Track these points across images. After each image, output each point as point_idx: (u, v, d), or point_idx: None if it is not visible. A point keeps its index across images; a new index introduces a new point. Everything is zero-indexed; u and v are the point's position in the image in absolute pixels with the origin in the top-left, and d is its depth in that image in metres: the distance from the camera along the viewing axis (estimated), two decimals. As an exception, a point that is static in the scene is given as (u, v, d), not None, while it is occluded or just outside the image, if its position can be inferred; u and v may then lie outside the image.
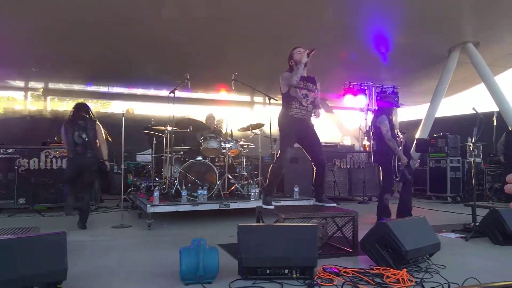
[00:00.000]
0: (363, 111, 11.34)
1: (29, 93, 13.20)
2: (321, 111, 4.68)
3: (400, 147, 5.51)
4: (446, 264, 3.33)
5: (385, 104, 5.74)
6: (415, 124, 11.29)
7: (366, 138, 10.74)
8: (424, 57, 10.35)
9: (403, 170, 5.43)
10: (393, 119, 5.70)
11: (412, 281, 2.87)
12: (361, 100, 10.99)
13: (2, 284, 2.44)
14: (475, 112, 5.01)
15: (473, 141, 5.08)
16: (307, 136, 4.40)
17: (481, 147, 9.24)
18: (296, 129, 4.34)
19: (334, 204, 4.35)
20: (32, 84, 12.79)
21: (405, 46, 9.57)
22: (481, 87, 10.44)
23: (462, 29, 9.23)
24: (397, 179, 5.45)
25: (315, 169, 4.43)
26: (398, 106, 5.83)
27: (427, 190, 9.38)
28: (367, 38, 9.34)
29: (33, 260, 2.60)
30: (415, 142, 9.96)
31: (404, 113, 15.28)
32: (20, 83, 12.78)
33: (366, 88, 11.13)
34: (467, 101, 14.13)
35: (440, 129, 9.80)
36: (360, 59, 10.28)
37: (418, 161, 10.76)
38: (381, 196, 5.53)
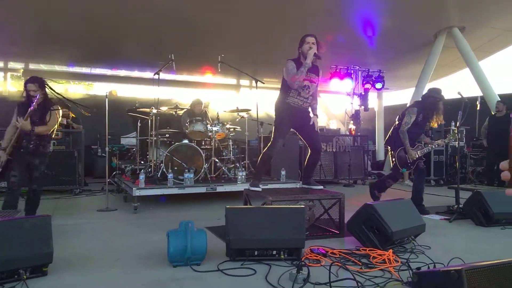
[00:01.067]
0: (349, 95, 11.37)
1: (9, 73, 12.82)
2: (317, 107, 4.64)
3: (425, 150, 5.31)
4: (430, 245, 3.39)
5: (429, 99, 5.37)
6: (400, 108, 11.34)
7: (352, 122, 10.80)
8: (410, 41, 10.38)
9: (417, 160, 5.29)
10: (435, 118, 5.37)
11: (398, 261, 2.92)
12: (347, 84, 11.00)
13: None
14: (460, 96, 5.06)
15: (457, 125, 5.14)
16: (303, 125, 4.36)
17: (464, 131, 9.39)
18: (292, 119, 4.30)
19: (321, 187, 4.40)
20: (11, 64, 12.41)
21: (391, 30, 9.56)
22: (466, 72, 10.55)
23: (448, 14, 9.26)
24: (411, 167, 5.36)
25: (310, 153, 4.44)
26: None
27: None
28: (353, 21, 9.29)
29: (18, 243, 2.57)
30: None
31: (390, 98, 15.38)
32: (-1, 64, 12.40)
33: (352, 72, 11.14)
34: (452, 85, 14.28)
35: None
36: (347, 43, 10.23)
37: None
38: (385, 178, 5.68)
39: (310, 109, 4.45)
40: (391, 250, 3.08)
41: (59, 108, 4.44)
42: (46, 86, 4.38)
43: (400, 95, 15.51)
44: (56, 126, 4.41)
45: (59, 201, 6.04)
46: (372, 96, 12.46)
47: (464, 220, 4.54)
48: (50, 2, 7.64)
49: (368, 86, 11.05)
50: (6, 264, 2.49)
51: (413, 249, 3.26)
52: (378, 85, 11.10)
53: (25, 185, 4.37)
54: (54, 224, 2.79)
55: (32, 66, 12.43)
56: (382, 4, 8.50)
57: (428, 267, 2.69)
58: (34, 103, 4.05)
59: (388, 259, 2.91)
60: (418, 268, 2.63)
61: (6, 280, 2.50)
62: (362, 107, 11.03)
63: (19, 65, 12.35)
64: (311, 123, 4.34)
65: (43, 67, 12.68)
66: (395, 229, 3.21)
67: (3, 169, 4.13)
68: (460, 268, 1.97)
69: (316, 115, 4.48)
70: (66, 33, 9.07)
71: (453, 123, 9.22)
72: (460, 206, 4.79)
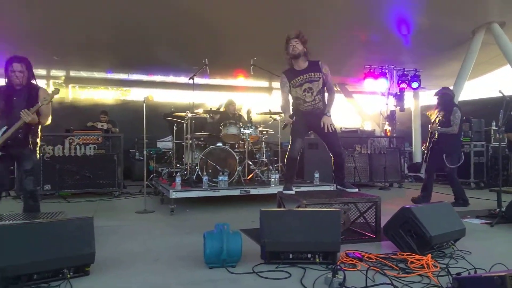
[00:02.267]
0: (384, 95, 11.14)
1: (51, 81, 13.43)
2: (335, 96, 4.40)
3: None
4: (471, 250, 3.28)
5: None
6: (437, 108, 11.05)
7: (387, 123, 10.58)
8: (447, 38, 10.06)
9: None
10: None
11: (437, 266, 2.84)
12: (382, 84, 10.79)
13: (33, 266, 2.54)
14: (501, 94, 4.87)
15: (498, 124, 4.94)
16: (319, 126, 4.21)
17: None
18: (305, 120, 4.24)
19: (356, 189, 4.33)
20: (54, 72, 12.99)
21: (427, 28, 9.31)
22: (507, 69, 10.11)
23: (487, 9, 8.91)
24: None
25: (332, 157, 4.39)
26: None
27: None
28: (388, 19, 9.12)
29: (62, 243, 2.68)
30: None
31: (426, 97, 14.94)
32: (42, 72, 12.97)
33: (387, 71, 10.90)
34: (492, 83, 13.72)
35: (464, 113, 9.51)
36: (381, 42, 10.06)
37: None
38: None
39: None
40: (429, 255, 3.01)
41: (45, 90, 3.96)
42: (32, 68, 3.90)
43: (437, 95, 15.04)
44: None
45: (99, 203, 6.27)
46: (408, 95, 12.16)
47: (506, 224, 4.36)
48: (88, 14, 7.97)
49: (403, 85, 10.79)
50: (52, 263, 2.61)
51: (453, 254, 3.16)
52: (414, 85, 10.82)
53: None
54: (95, 225, 2.89)
55: (72, 73, 13.00)
56: (416, 1, 8.30)
57: (469, 273, 2.61)
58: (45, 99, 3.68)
59: (427, 264, 2.84)
60: (458, 274, 2.55)
61: (51, 278, 2.61)
62: (398, 107, 10.78)
63: (61, 73, 12.93)
64: (323, 125, 4.15)
65: (83, 74, 13.23)
66: (434, 233, 3.12)
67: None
68: (503, 274, 1.91)
69: (327, 114, 4.18)
70: (104, 41, 9.41)
71: (494, 123, 8.88)
72: (502, 209, 4.59)
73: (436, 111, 6.11)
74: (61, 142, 6.84)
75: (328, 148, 4.35)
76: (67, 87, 13.43)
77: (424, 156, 6.25)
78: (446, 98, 6.10)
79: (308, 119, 4.23)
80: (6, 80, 3.79)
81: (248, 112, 7.32)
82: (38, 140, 3.97)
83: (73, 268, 2.70)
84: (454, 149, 5.97)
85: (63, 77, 12.97)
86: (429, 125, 6.15)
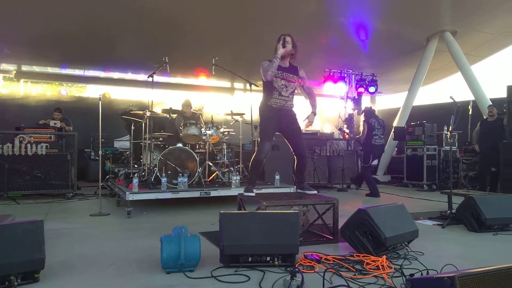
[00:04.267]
0: (342, 98, 11.41)
1: (1, 75, 12.72)
2: (315, 97, 4.57)
3: None
4: (424, 251, 3.41)
5: None
6: (393, 112, 11.46)
7: (345, 126, 10.83)
8: (403, 45, 10.46)
9: None
10: None
11: (391, 267, 2.92)
12: (341, 87, 11.04)
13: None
14: (452, 100, 5.10)
15: (450, 129, 5.17)
16: (288, 126, 4.36)
17: (456, 135, 9.47)
18: (276, 121, 4.31)
19: (315, 191, 4.40)
20: (4, 66, 12.29)
21: (384, 34, 9.64)
22: (458, 76, 10.65)
23: (440, 18, 9.35)
24: None
25: (296, 159, 4.44)
26: None
27: (404, 177, 9.57)
28: (347, 25, 9.35)
29: (9, 248, 2.53)
30: (393, 130, 10.12)
31: (383, 101, 15.48)
32: (-9, 65, 12.29)
33: (346, 75, 11.18)
34: (444, 90, 14.41)
35: (417, 117, 9.98)
36: (340, 47, 10.30)
37: (396, 149, 10.97)
38: None
39: (294, 109, 4.45)
40: (384, 256, 3.09)
41: None
42: None
43: (393, 99, 15.62)
44: None
45: (51, 205, 5.99)
46: (366, 99, 12.52)
47: (457, 226, 4.56)
48: (44, 5, 7.60)
49: (361, 89, 11.11)
50: (-2, 270, 2.46)
51: (407, 255, 3.27)
52: (372, 89, 11.16)
53: None
54: (46, 228, 2.77)
55: (24, 68, 12.35)
56: (375, 8, 8.57)
57: (421, 274, 2.70)
58: None
59: (382, 265, 2.92)
60: (412, 275, 2.64)
61: (-3, 286, 2.47)
62: (356, 110, 11.07)
63: (12, 67, 12.26)
64: (295, 122, 4.35)
65: (35, 68, 12.61)
66: (389, 234, 3.21)
67: None
68: (453, 275, 1.98)
69: (314, 113, 4.46)
70: (59, 35, 9.01)
71: (446, 128, 9.31)
72: (453, 211, 4.81)
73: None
74: (11, 141, 6.46)
75: (294, 149, 4.42)
76: (19, 82, 12.75)
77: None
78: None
79: (278, 118, 4.30)
80: None
81: (200, 108, 7.25)
82: None
83: (21, 274, 2.55)
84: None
85: (14, 72, 12.30)
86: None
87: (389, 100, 15.73)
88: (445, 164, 9.10)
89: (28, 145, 6.50)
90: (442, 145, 9.36)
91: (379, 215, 3.35)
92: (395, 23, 9.07)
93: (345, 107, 11.32)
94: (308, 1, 7.95)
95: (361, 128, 7.80)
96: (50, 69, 12.78)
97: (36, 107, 10.54)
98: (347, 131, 8.90)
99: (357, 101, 11.11)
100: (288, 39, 4.30)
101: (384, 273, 2.79)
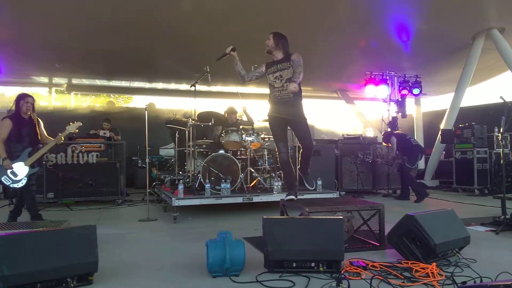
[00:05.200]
0: (385, 101, 11.14)
1: (53, 89, 13.49)
2: (298, 80, 4.36)
3: None
4: (476, 258, 3.26)
5: None
6: (439, 114, 11.05)
7: (389, 129, 10.56)
8: (448, 44, 10.08)
9: None
10: None
11: (442, 275, 2.82)
12: (383, 90, 10.79)
13: (37, 275, 2.53)
14: (502, 100, 4.86)
15: (501, 131, 4.93)
16: (292, 121, 4.49)
17: (508, 137, 8.97)
18: (280, 118, 4.44)
19: (313, 188, 4.76)
20: (56, 80, 13.05)
21: (427, 34, 9.33)
22: (508, 75, 10.12)
23: (486, 15, 8.93)
24: None
25: (301, 149, 4.60)
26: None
27: (453, 182, 9.18)
28: (388, 26, 9.14)
29: (65, 252, 2.67)
30: (440, 133, 9.76)
31: (428, 103, 14.95)
32: (45, 79, 13.05)
33: (388, 78, 10.91)
34: (494, 89, 13.73)
35: (465, 119, 9.55)
36: (381, 48, 10.08)
37: (444, 152, 10.55)
38: None
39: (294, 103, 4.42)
40: (434, 264, 2.98)
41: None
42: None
43: (439, 101, 15.07)
44: None
45: (102, 211, 6.27)
46: (410, 102, 12.16)
47: (511, 232, 4.33)
48: (91, 23, 8.03)
49: (405, 92, 10.78)
50: (55, 272, 2.60)
51: (458, 262, 3.14)
52: (416, 91, 10.81)
53: None
54: (98, 233, 2.88)
55: (75, 81, 13.05)
56: (416, 8, 8.32)
57: (475, 282, 2.59)
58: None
59: (432, 272, 2.82)
60: (464, 283, 2.53)
61: (54, 287, 2.60)
62: (400, 113, 10.77)
63: (63, 80, 12.99)
64: (299, 115, 4.44)
65: (85, 81, 13.28)
66: (438, 241, 3.11)
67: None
68: (509, 283, 1.89)
69: (294, 81, 4.29)
70: (106, 49, 9.46)
71: (496, 129, 8.86)
72: (507, 216, 4.57)
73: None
74: (64, 150, 6.84)
75: (300, 140, 4.62)
76: (69, 94, 13.49)
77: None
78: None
79: (279, 111, 4.43)
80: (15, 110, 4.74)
81: (244, 109, 7.32)
82: None
83: (76, 277, 2.69)
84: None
85: (66, 85, 13.04)
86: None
87: (435, 102, 15.19)
88: (497, 167, 8.64)
89: (80, 154, 6.86)
90: (493, 148, 8.90)
91: (428, 221, 3.25)
92: (438, 22, 8.76)
93: (388, 110, 11.04)
94: (345, 3, 7.86)
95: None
96: (98, 82, 13.42)
97: (86, 118, 11.06)
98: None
99: (401, 104, 10.80)
100: (270, 36, 4.64)
101: (434, 280, 2.70)
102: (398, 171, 7.97)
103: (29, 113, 4.75)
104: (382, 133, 9.04)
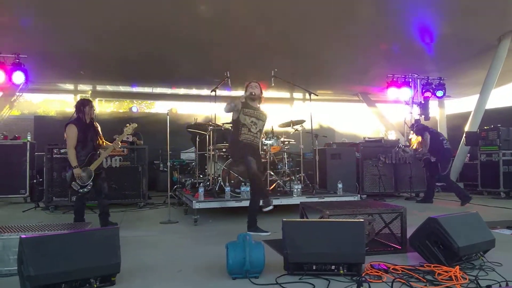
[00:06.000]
0: (407, 104, 10.97)
1: (78, 95, 13.84)
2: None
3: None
4: (502, 262, 3.17)
5: None
6: (464, 116, 10.80)
7: (412, 132, 10.39)
8: (472, 46, 9.86)
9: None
10: None
11: (465, 278, 2.76)
12: (406, 92, 10.63)
13: (61, 275, 2.59)
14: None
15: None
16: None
17: (536, 139, 8.71)
18: (246, 152, 4.68)
19: (271, 207, 4.79)
20: (81, 87, 13.40)
21: (451, 36, 9.16)
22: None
23: (512, 15, 8.71)
24: None
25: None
26: None
27: (478, 185, 8.96)
28: (410, 29, 9.02)
29: (89, 253, 2.73)
30: (464, 135, 9.55)
31: (452, 106, 14.65)
32: (70, 86, 13.42)
33: (410, 80, 10.75)
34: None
35: (491, 121, 9.32)
36: (403, 51, 9.95)
37: (468, 155, 10.30)
38: None
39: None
40: (458, 267, 2.92)
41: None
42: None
43: (463, 103, 14.75)
44: None
45: (125, 214, 6.38)
46: (433, 104, 11.93)
47: (539, 235, 4.20)
48: (115, 32, 8.24)
49: (428, 94, 10.59)
50: (79, 273, 2.66)
51: (482, 265, 3.07)
52: (439, 93, 10.62)
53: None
54: (121, 235, 2.94)
55: (99, 87, 13.37)
56: (439, 10, 8.18)
57: (500, 285, 2.53)
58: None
59: (455, 276, 2.76)
60: (489, 286, 2.48)
61: (78, 288, 2.66)
62: (423, 116, 10.58)
63: (88, 87, 13.32)
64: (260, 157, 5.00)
65: (109, 88, 13.58)
66: (462, 244, 3.04)
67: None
68: (536, 287, 1.84)
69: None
70: (130, 57, 9.67)
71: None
72: (535, 220, 4.43)
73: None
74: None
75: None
76: (94, 101, 13.81)
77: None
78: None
79: (248, 152, 4.67)
80: (79, 116, 4.74)
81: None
82: None
83: (99, 277, 2.74)
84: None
85: (90, 91, 13.35)
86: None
87: (459, 104, 14.87)
88: (525, 170, 8.38)
89: (104, 159, 6.98)
90: (520, 150, 8.65)
91: (451, 224, 3.19)
92: (462, 24, 8.59)
93: (411, 113, 10.87)
94: (366, 6, 7.80)
95: (414, 142, 7.89)
96: (122, 88, 13.70)
97: (110, 123, 11.32)
98: (407, 150, 8.47)
99: (424, 106, 10.61)
100: (256, 84, 4.85)
101: (457, 284, 2.65)
102: (424, 167, 7.74)
103: (93, 117, 4.85)
104: (413, 122, 8.61)
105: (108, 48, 9.16)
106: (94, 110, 4.90)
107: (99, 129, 4.94)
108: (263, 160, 6.45)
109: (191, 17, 7.81)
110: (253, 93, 4.75)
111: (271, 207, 4.73)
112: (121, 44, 8.95)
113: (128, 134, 5.08)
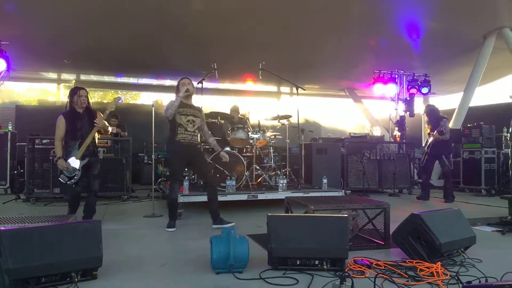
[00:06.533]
0: (393, 100, 11.07)
1: (62, 84, 13.60)
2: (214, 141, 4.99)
3: None
4: (482, 258, 3.22)
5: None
6: (448, 114, 10.87)
7: (396, 128, 10.50)
8: (458, 43, 9.99)
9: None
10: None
11: (447, 274, 2.80)
12: (392, 89, 10.72)
13: (41, 269, 2.55)
14: (513, 100, 4.81)
15: (510, 131, 4.88)
16: (195, 160, 4.72)
17: (517, 137, 8.88)
18: (183, 158, 4.61)
19: (233, 223, 4.49)
20: (64, 76, 13.16)
21: (437, 33, 9.26)
22: (518, 75, 10.02)
23: (498, 14, 8.84)
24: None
25: (207, 188, 4.76)
26: None
27: (460, 182, 9.11)
28: (398, 25, 9.08)
29: (70, 246, 2.69)
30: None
31: (437, 103, 14.82)
32: (53, 75, 13.18)
33: (396, 76, 10.84)
34: (503, 89, 13.59)
35: (474, 119, 9.46)
36: (390, 47, 10.02)
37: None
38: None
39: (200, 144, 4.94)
40: (439, 263, 2.96)
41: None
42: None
43: (448, 100, 14.94)
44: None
45: (108, 207, 6.30)
46: (418, 101, 12.06)
47: (518, 232, 4.28)
48: (100, 20, 8.08)
49: (413, 91, 10.71)
50: (60, 266, 2.61)
51: (463, 262, 3.11)
52: (424, 90, 10.73)
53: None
54: (103, 229, 2.90)
55: (83, 77, 13.14)
56: (427, 7, 8.25)
57: (480, 281, 2.57)
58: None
59: (436, 272, 2.80)
60: (469, 282, 2.50)
61: (59, 282, 2.62)
62: (408, 112, 10.70)
63: (71, 77, 13.08)
64: (201, 155, 4.90)
65: (93, 78, 13.36)
66: (444, 240, 3.08)
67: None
68: (515, 284, 1.87)
69: (220, 150, 4.98)
70: (114, 47, 9.52)
71: (505, 129, 8.77)
72: (515, 217, 4.52)
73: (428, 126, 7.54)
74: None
75: (203, 179, 5.08)
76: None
77: (422, 160, 7.55)
78: (433, 114, 7.52)
79: (185, 154, 4.59)
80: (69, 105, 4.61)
81: (246, 115, 7.35)
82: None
83: (80, 271, 2.70)
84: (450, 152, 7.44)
85: (74, 81, 13.13)
86: (430, 134, 7.33)
87: (443, 102, 15.06)
88: (505, 167, 8.54)
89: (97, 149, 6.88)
90: (502, 148, 8.80)
91: (434, 220, 3.23)
92: (448, 21, 8.68)
93: (396, 109, 10.98)
94: (355, 2, 7.81)
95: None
96: (107, 78, 13.49)
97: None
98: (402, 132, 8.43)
99: (409, 103, 10.72)
100: (188, 80, 4.68)
101: (439, 279, 2.68)
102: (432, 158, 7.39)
103: (84, 106, 4.57)
104: (427, 106, 8.11)
105: (93, 36, 8.98)
106: (85, 98, 4.58)
107: (99, 115, 4.63)
108: (248, 154, 6.47)
109: (180, 7, 7.71)
110: (188, 90, 4.59)
111: (227, 224, 4.44)
112: (106, 33, 8.79)
113: (111, 111, 4.76)
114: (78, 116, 4.53)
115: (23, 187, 6.94)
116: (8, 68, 8.28)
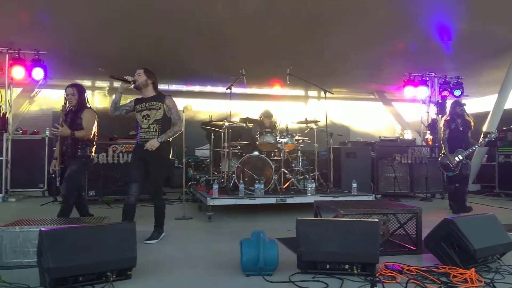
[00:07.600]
0: (424, 103, 10.83)
1: (96, 91, 14.05)
2: (180, 130, 4.45)
3: None
4: (519, 265, 3.13)
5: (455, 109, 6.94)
6: (482, 116, 10.60)
7: (428, 131, 10.26)
8: (491, 45, 9.65)
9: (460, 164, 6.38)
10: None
11: (481, 281, 2.73)
12: (423, 91, 10.50)
13: (79, 268, 2.65)
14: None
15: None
16: (147, 163, 4.23)
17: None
18: (137, 154, 4.27)
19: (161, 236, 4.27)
20: (98, 83, 13.59)
21: (470, 34, 8.98)
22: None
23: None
24: None
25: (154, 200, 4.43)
26: None
27: (495, 186, 8.80)
28: (428, 27, 8.89)
29: (106, 247, 2.79)
30: (482, 135, 9.38)
31: (470, 105, 14.38)
32: (88, 83, 13.61)
33: (427, 79, 10.61)
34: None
35: (510, 121, 9.14)
36: (421, 49, 9.80)
37: (486, 156, 10.13)
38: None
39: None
40: (473, 269, 2.89)
41: (92, 109, 4.60)
42: (84, 93, 4.55)
43: (482, 102, 14.47)
44: (95, 129, 4.57)
45: (140, 209, 6.42)
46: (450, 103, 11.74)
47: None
48: (132, 30, 8.32)
49: (445, 93, 10.45)
50: (97, 266, 2.72)
51: (499, 268, 3.03)
52: (457, 92, 10.46)
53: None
54: (137, 230, 3.00)
55: (116, 84, 13.50)
56: (458, 8, 8.04)
57: (517, 289, 2.49)
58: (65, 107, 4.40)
59: (470, 278, 2.74)
60: (505, 290, 2.45)
61: (95, 281, 2.72)
62: (440, 115, 10.45)
63: (105, 84, 13.49)
64: (154, 159, 4.19)
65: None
66: (478, 246, 3.01)
67: (60, 178, 4.45)
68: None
69: (158, 139, 4.14)
70: (146, 55, 9.77)
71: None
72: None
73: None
74: (105, 150, 7.13)
75: (148, 184, 4.33)
76: (111, 97, 13.99)
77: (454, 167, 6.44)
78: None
79: (139, 154, 4.22)
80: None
81: (274, 121, 7.35)
82: (88, 153, 4.54)
83: (116, 271, 2.79)
84: None
85: (107, 88, 13.54)
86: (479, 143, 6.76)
87: (477, 104, 14.59)
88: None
89: (120, 154, 7.12)
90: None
91: (468, 226, 3.16)
92: (481, 22, 8.41)
93: (428, 112, 10.73)
94: (383, 5, 7.71)
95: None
96: (138, 85, 13.80)
97: (127, 120, 11.45)
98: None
99: (441, 105, 10.47)
100: (139, 71, 4.29)
101: (473, 286, 2.63)
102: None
103: (71, 105, 4.41)
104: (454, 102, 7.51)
105: (126, 47, 9.25)
106: (72, 96, 4.39)
107: (86, 116, 4.41)
108: (277, 158, 6.48)
109: (207, 13, 7.84)
110: (135, 81, 4.21)
111: (153, 241, 4.14)
112: (138, 42, 9.03)
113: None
114: (66, 115, 4.46)
115: (59, 190, 7.21)
116: (45, 76, 8.65)
